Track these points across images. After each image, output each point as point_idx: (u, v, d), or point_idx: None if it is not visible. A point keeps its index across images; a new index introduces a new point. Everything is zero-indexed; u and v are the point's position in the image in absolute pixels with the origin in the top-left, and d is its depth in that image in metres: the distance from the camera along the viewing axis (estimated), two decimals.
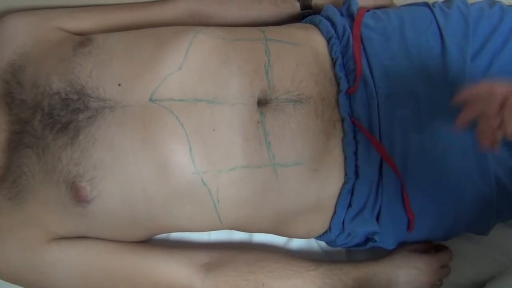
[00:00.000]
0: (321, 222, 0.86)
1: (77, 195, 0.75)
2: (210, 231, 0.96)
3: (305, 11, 0.97)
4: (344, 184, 0.82)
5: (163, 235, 0.95)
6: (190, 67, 0.79)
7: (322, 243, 0.98)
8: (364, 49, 0.86)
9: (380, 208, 0.84)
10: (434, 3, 0.92)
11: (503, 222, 0.93)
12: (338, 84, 0.84)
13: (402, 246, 0.91)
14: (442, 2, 0.93)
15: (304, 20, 0.97)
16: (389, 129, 0.82)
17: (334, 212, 0.84)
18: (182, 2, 0.95)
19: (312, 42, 0.87)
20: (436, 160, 0.82)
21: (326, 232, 0.88)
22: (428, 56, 0.84)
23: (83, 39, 0.83)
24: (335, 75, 0.85)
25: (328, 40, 0.88)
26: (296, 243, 0.98)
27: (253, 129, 0.78)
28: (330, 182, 0.82)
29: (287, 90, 0.80)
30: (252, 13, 0.97)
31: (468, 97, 0.68)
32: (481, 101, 0.66)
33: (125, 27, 0.92)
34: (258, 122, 0.78)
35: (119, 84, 0.78)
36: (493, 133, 0.66)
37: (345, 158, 0.82)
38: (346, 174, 0.82)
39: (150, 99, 0.77)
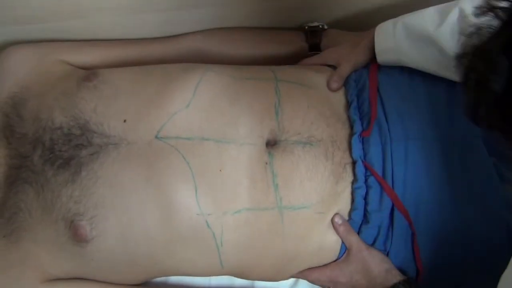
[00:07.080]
0: None
1: (76, 234, 0.72)
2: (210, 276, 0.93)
3: (313, 52, 0.97)
4: None
5: (162, 278, 0.91)
6: (198, 105, 0.77)
7: None
8: (378, 91, 0.85)
9: (388, 255, 0.81)
10: None
11: None
12: (351, 127, 0.83)
13: None
14: None
15: None
16: (402, 175, 0.79)
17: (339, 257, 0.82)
18: (190, 40, 0.95)
19: (325, 84, 0.86)
20: (449, 210, 0.79)
21: None
22: (436, 102, 0.83)
23: (88, 73, 0.82)
24: (349, 118, 0.83)
25: (345, 83, 0.87)
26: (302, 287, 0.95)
27: (261, 170, 0.76)
28: None
29: (297, 131, 0.79)
30: (261, 52, 0.97)
31: None
32: None
33: (131, 62, 0.91)
34: (266, 163, 0.76)
35: (125, 121, 0.76)
36: None
37: (352, 201, 0.80)
38: (350, 218, 0.80)
39: (156, 137, 0.75)
